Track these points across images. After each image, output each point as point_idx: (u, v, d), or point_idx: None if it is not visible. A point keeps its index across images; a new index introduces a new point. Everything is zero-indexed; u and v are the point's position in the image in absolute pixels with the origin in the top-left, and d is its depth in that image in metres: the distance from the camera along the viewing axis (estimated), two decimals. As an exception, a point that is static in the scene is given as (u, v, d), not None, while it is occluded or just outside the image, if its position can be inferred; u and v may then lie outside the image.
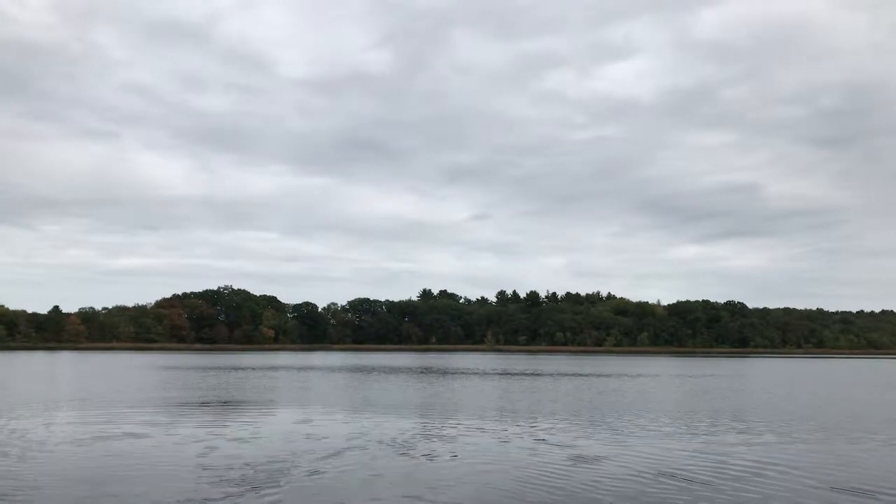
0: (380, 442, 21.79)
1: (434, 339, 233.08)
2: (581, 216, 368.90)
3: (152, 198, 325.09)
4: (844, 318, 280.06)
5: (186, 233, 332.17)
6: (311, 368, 79.32)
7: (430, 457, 19.30)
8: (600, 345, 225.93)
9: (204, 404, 34.78)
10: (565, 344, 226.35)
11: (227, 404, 34.98)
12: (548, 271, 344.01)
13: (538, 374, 69.60)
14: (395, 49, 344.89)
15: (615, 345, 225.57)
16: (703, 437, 24.38)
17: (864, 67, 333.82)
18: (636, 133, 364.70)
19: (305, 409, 32.50)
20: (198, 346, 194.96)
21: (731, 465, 18.74)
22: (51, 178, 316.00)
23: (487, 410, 32.88)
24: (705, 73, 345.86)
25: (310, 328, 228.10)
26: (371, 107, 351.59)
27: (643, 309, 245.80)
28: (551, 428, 26.29)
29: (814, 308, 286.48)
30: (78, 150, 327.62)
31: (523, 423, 27.59)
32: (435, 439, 22.67)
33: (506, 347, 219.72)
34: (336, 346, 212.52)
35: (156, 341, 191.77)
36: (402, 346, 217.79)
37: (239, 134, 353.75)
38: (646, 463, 18.85)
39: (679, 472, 17.60)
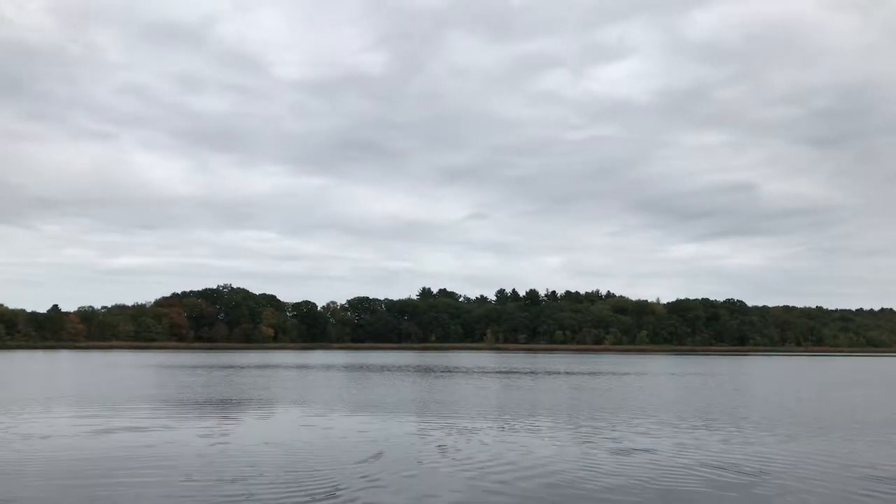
0: (414, 443, 21.01)
1: (434, 338, 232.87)
2: (579, 216, 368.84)
3: (151, 198, 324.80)
4: (843, 317, 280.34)
5: (185, 232, 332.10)
6: (314, 367, 79.23)
7: (473, 455, 18.81)
8: (599, 343, 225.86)
9: (215, 404, 34.60)
10: (564, 342, 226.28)
11: (241, 404, 34.80)
12: (546, 270, 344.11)
13: (541, 373, 69.53)
14: (392, 51, 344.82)
15: (614, 343, 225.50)
16: (728, 432, 24.33)
17: (857, 68, 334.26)
18: (632, 133, 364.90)
19: (319, 408, 32.29)
20: (197, 344, 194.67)
21: (773, 461, 18.68)
22: (50, 178, 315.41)
23: (507, 408, 32.80)
24: (700, 73, 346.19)
25: (309, 327, 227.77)
26: (368, 108, 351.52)
27: (642, 307, 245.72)
28: (577, 424, 26.19)
29: (813, 306, 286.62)
30: (77, 150, 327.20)
31: (547, 420, 27.49)
32: (469, 438, 22.13)
33: (505, 346, 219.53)
34: (335, 345, 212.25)
35: (155, 340, 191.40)
36: (402, 345, 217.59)
37: (237, 135, 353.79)
38: (690, 457, 18.81)
39: (725, 466, 17.53)
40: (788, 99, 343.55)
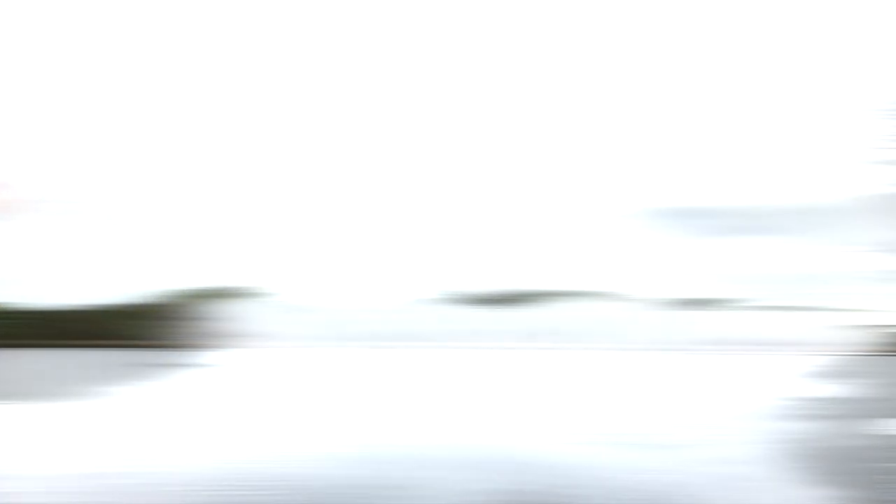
0: (435, 444, 20.66)
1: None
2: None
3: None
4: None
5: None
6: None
7: (492, 453, 18.40)
8: (598, 342, 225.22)
9: (226, 403, 34.42)
10: (564, 341, 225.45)
11: (249, 403, 34.59)
12: (545, 268, 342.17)
13: (541, 371, 69.33)
14: None
15: (614, 342, 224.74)
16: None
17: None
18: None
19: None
20: (197, 342, 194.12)
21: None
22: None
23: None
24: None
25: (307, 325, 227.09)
26: None
27: (640, 306, 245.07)
28: (584, 422, 26.09)
29: (814, 306, 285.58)
30: None
31: (552, 417, 27.46)
32: (486, 436, 21.81)
33: (505, 344, 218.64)
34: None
35: (156, 338, 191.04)
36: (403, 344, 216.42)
37: None
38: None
39: (733, 461, 17.52)
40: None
